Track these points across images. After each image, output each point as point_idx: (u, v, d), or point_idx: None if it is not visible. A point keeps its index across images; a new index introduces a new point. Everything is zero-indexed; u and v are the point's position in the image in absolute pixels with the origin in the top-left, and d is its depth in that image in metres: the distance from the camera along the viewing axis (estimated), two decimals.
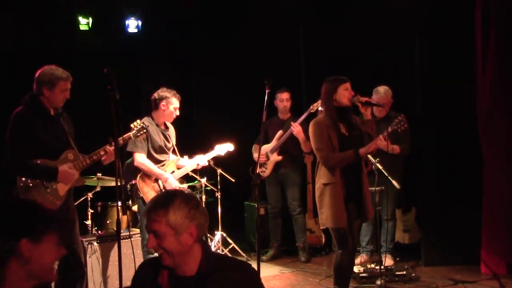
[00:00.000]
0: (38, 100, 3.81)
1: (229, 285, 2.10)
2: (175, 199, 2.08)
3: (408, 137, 5.39)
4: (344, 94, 4.04)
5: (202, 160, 5.14)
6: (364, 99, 4.04)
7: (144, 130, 4.40)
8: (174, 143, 5.09)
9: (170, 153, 5.04)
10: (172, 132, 5.08)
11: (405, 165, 5.61)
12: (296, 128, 5.71)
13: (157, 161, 4.86)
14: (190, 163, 5.12)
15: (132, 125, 4.37)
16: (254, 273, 2.21)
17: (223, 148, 5.23)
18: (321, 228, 4.22)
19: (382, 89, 5.46)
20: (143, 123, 4.43)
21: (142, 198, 4.80)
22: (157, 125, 4.91)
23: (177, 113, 4.95)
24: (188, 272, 2.11)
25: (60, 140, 3.88)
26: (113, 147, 3.88)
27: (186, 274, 2.11)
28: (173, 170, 4.97)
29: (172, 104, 4.89)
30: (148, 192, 4.80)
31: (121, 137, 4.26)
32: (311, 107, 5.61)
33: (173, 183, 4.84)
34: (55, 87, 3.80)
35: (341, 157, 3.98)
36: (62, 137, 3.89)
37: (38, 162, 3.75)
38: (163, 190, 4.82)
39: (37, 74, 3.84)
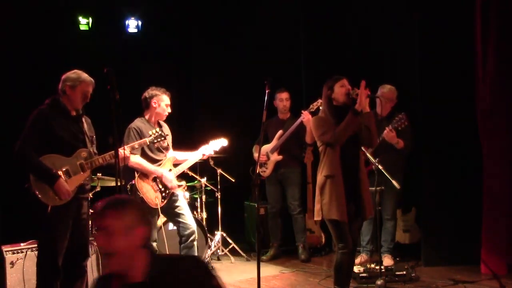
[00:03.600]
0: (59, 101, 3.94)
1: (184, 284, 2.17)
2: (127, 202, 2.20)
3: (409, 135, 5.40)
4: (341, 91, 4.05)
5: (207, 149, 5.15)
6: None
7: (162, 138, 4.49)
8: (170, 141, 5.09)
9: (169, 150, 5.05)
10: (166, 130, 5.09)
11: (406, 164, 5.61)
12: (307, 116, 5.64)
13: (153, 161, 4.87)
14: (195, 155, 5.13)
15: (150, 132, 4.48)
16: (204, 268, 2.28)
17: (217, 143, 5.23)
18: (315, 219, 4.21)
19: (388, 86, 5.53)
20: (161, 131, 4.50)
21: (141, 198, 4.81)
22: (151, 125, 4.91)
23: (169, 110, 4.98)
24: (137, 277, 2.16)
25: (76, 138, 3.96)
26: (124, 152, 4.02)
27: (135, 280, 2.16)
28: (170, 168, 4.97)
29: (163, 101, 4.92)
30: (148, 191, 4.80)
31: (137, 142, 4.42)
32: (311, 106, 5.62)
33: (169, 177, 4.84)
34: (78, 86, 3.93)
35: (342, 125, 3.97)
36: (78, 136, 3.98)
37: (43, 163, 3.79)
38: (162, 188, 4.84)
39: (64, 75, 3.98)
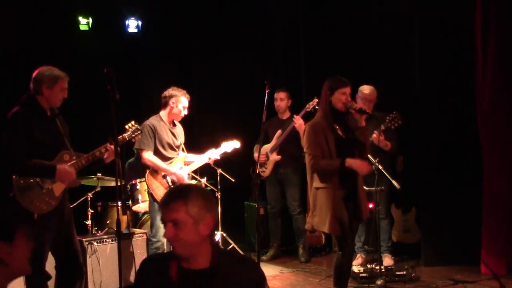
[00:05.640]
0: (35, 100, 3.81)
1: (239, 279, 2.19)
2: (192, 190, 2.17)
3: (395, 135, 5.34)
4: (340, 98, 3.98)
5: (214, 154, 5.17)
6: (358, 106, 4.01)
7: (139, 132, 4.38)
8: (183, 141, 5.14)
9: (180, 151, 5.07)
10: (180, 130, 5.14)
11: (405, 165, 5.61)
12: (298, 121, 5.66)
13: (165, 158, 4.91)
14: (201, 158, 5.15)
15: (127, 126, 4.34)
16: (258, 267, 2.33)
17: (230, 145, 5.25)
18: (307, 229, 4.22)
19: (368, 86, 5.44)
20: (138, 124, 4.43)
21: (151, 195, 4.83)
22: (165, 123, 4.95)
23: (186, 112, 5.02)
24: (200, 264, 2.17)
25: (56, 140, 3.86)
26: (112, 146, 3.90)
27: (197, 267, 2.17)
28: (181, 166, 4.99)
29: (181, 102, 4.97)
30: (157, 188, 4.84)
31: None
32: (307, 105, 5.62)
33: (181, 175, 4.88)
34: (55, 85, 3.81)
35: (328, 164, 3.94)
36: (58, 138, 3.88)
37: (35, 161, 3.73)
38: (172, 186, 4.87)
39: (34, 74, 3.83)
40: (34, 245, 3.12)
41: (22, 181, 3.72)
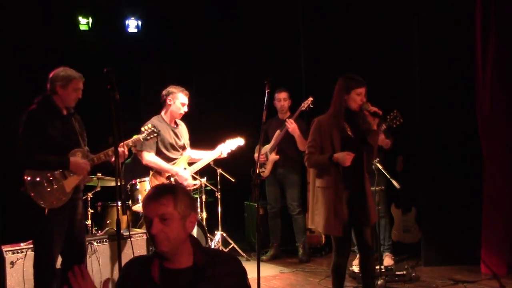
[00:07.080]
0: (51, 99, 3.89)
1: (223, 276, 2.21)
2: (178, 188, 2.23)
3: (390, 133, 5.29)
4: (355, 98, 3.94)
5: (225, 148, 5.14)
6: (373, 109, 3.93)
7: (155, 134, 4.40)
8: (187, 140, 5.12)
9: (186, 150, 5.05)
10: (183, 130, 5.12)
11: (405, 165, 5.60)
12: (291, 124, 5.68)
13: (168, 159, 4.89)
14: (211, 154, 5.14)
15: (143, 128, 4.39)
16: (242, 266, 2.33)
17: (234, 143, 5.23)
18: (310, 227, 4.19)
19: None
20: (154, 127, 4.43)
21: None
22: (167, 123, 4.93)
23: (185, 109, 4.99)
24: (182, 264, 2.19)
25: (70, 139, 3.92)
26: (124, 149, 3.97)
27: (179, 266, 2.18)
28: (184, 167, 4.97)
29: (178, 99, 4.94)
30: None
31: (131, 140, 4.29)
32: (302, 104, 5.61)
33: (184, 176, 4.85)
34: (69, 85, 3.89)
35: (318, 159, 3.94)
36: (72, 137, 3.94)
37: (48, 156, 3.79)
38: None
39: (51, 74, 3.93)
40: (44, 243, 3.16)
41: (33, 177, 3.76)
